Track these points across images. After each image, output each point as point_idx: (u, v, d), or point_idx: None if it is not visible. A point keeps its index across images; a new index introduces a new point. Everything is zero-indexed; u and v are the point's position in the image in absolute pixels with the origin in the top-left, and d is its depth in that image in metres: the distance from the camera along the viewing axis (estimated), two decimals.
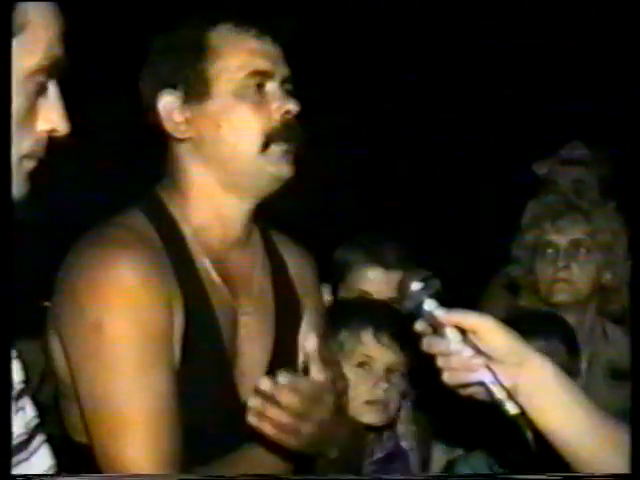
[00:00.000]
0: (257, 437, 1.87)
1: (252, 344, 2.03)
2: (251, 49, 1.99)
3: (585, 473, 1.61)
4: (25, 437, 1.40)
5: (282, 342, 2.07)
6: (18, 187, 1.33)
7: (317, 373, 1.88)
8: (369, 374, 2.35)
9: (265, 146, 1.96)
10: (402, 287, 1.72)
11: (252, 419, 1.83)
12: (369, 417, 2.33)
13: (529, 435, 1.62)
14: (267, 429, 1.83)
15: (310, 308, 2.16)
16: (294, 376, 1.85)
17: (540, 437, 1.63)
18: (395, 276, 2.49)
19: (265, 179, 1.99)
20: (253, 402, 1.82)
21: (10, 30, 1.24)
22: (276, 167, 1.98)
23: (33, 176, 1.35)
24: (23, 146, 1.31)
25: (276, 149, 1.97)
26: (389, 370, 2.36)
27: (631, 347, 1.67)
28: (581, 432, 1.63)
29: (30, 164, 1.34)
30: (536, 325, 2.41)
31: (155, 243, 1.95)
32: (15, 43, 1.26)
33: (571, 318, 2.71)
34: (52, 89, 1.35)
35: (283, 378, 1.81)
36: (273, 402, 1.81)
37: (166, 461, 1.81)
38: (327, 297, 2.66)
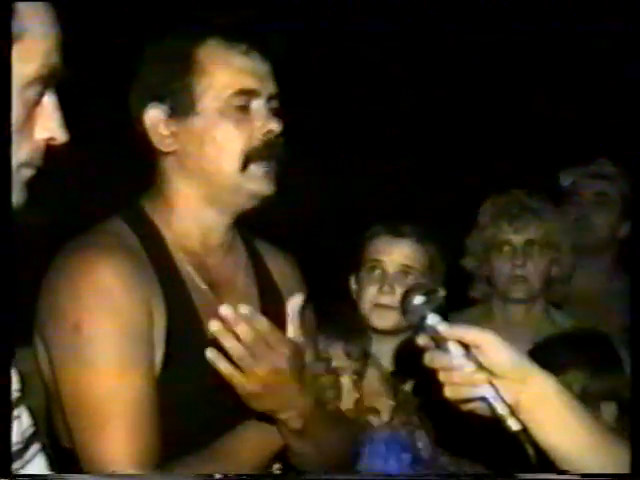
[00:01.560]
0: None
1: None
2: (238, 67, 2.00)
3: (585, 473, 1.61)
4: (20, 446, 1.39)
5: None
6: (17, 195, 1.32)
7: (292, 332, 1.92)
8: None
9: (245, 164, 1.99)
10: (404, 301, 1.72)
11: (211, 352, 1.84)
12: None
13: (531, 451, 1.62)
14: (222, 365, 1.84)
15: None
16: (256, 313, 1.87)
17: (542, 453, 1.63)
18: (405, 243, 2.63)
19: (244, 196, 2.02)
20: (214, 325, 1.82)
21: (10, 32, 1.24)
22: (256, 185, 2.00)
23: (31, 184, 1.35)
24: (21, 154, 1.30)
25: (256, 167, 1.99)
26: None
27: (631, 346, 1.67)
28: (583, 449, 1.63)
29: (28, 172, 1.33)
30: (552, 357, 2.36)
31: (136, 248, 1.97)
32: (13, 52, 1.26)
33: (523, 309, 3.03)
34: (49, 97, 1.34)
35: (244, 309, 1.83)
36: (230, 331, 1.82)
37: (145, 458, 1.83)
38: (353, 285, 2.70)
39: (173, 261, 2.00)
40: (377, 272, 2.66)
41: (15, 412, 1.38)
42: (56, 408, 1.95)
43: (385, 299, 2.61)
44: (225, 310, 1.81)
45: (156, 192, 2.06)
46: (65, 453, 1.91)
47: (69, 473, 1.79)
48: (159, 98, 2.00)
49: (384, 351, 2.62)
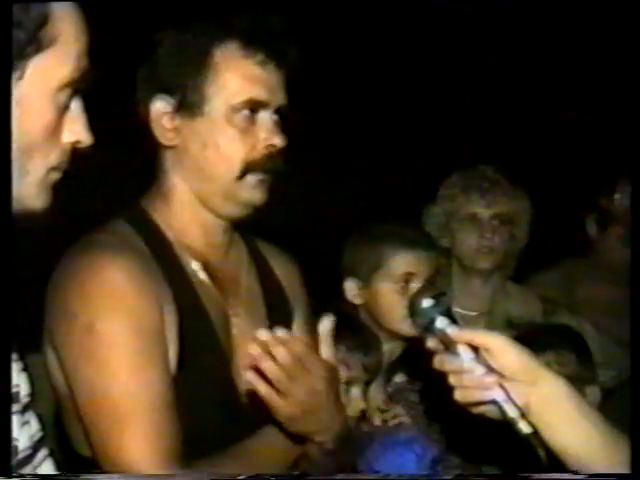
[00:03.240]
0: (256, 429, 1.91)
1: (245, 344, 2.00)
2: (252, 76, 1.98)
3: (586, 473, 1.61)
4: (30, 452, 1.39)
5: None
6: (42, 198, 1.32)
7: (325, 352, 1.92)
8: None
9: (243, 174, 1.98)
10: (413, 304, 1.72)
11: (249, 375, 1.85)
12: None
13: (542, 453, 1.62)
14: (261, 386, 1.85)
15: (299, 310, 2.19)
16: (293, 335, 1.89)
17: (553, 455, 1.62)
18: (430, 256, 2.67)
19: (237, 204, 2.01)
20: (253, 349, 1.83)
21: (10, 31, 1.21)
22: (249, 194, 2.00)
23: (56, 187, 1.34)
24: (51, 159, 1.30)
25: (252, 177, 1.99)
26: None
27: (631, 346, 1.68)
28: (594, 450, 1.62)
29: (55, 176, 1.33)
30: (545, 338, 2.42)
31: (141, 247, 1.97)
32: (47, 56, 1.25)
33: (481, 281, 3.13)
34: (76, 101, 1.33)
35: (281, 331, 1.84)
36: (268, 354, 1.83)
37: (166, 457, 1.82)
38: (353, 291, 2.68)
39: (178, 259, 2.00)
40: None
41: (24, 417, 1.38)
42: (67, 412, 1.94)
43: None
44: (263, 334, 1.83)
45: (155, 190, 2.06)
46: (76, 457, 1.91)
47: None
48: (168, 91, 1.98)
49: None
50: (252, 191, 1.99)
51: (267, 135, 1.99)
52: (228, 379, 2.00)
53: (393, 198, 4.33)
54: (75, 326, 1.84)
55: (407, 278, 2.63)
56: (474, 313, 3.10)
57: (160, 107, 1.99)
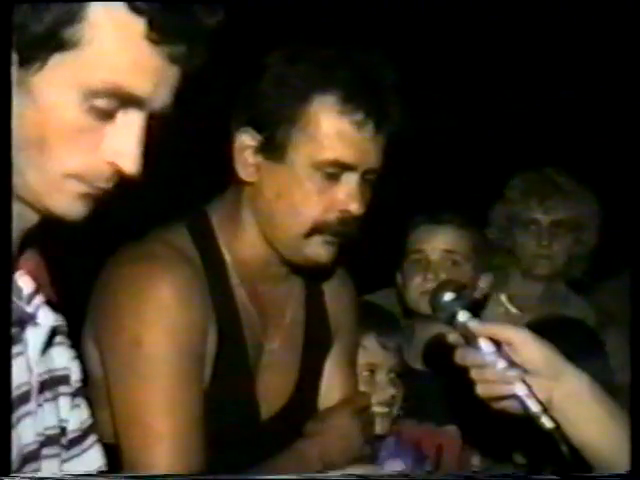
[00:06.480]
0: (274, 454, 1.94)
1: (275, 370, 2.04)
2: (345, 136, 1.86)
3: (586, 473, 1.60)
4: (78, 434, 1.40)
5: (307, 371, 2.09)
6: (65, 206, 1.24)
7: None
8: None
9: (311, 233, 1.90)
10: (434, 298, 1.71)
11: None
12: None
13: (565, 449, 1.60)
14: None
15: (340, 340, 2.16)
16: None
17: (576, 450, 1.61)
18: (445, 229, 2.59)
19: (300, 258, 1.95)
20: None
21: (10, 30, 1.17)
22: (313, 253, 1.92)
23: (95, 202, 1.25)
24: (68, 164, 1.21)
25: (319, 237, 1.90)
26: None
27: (631, 346, 1.66)
28: (616, 445, 1.61)
29: (79, 187, 1.23)
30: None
31: (194, 260, 1.93)
32: (74, 56, 1.18)
33: (539, 284, 3.04)
34: (124, 118, 1.22)
35: None
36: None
37: (191, 472, 1.82)
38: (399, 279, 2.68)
39: (228, 281, 1.97)
40: (420, 261, 2.62)
41: (75, 401, 1.40)
42: (97, 407, 1.94)
43: (430, 285, 2.54)
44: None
45: (225, 209, 2.00)
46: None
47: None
48: (259, 124, 1.89)
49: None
50: (317, 250, 1.91)
51: (345, 199, 1.88)
52: (251, 402, 2.00)
53: (459, 197, 4.31)
54: (122, 336, 1.84)
55: (417, 255, 2.62)
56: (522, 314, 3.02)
57: (246, 140, 1.90)
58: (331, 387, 2.13)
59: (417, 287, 2.59)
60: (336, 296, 2.16)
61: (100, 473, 1.45)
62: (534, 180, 3.03)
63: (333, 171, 1.87)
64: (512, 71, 4.87)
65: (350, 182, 1.88)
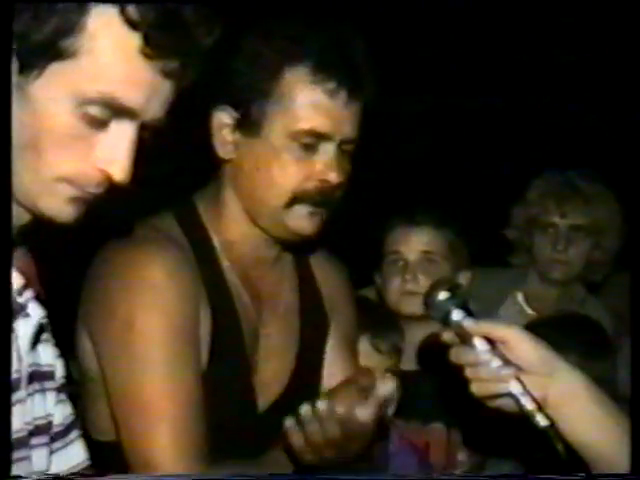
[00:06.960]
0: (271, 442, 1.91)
1: (272, 356, 2.04)
2: (319, 105, 1.88)
3: (586, 473, 1.59)
4: (62, 428, 1.43)
5: (305, 357, 2.08)
6: (56, 209, 1.28)
7: (367, 415, 1.88)
8: None
9: (291, 203, 1.91)
10: (428, 296, 1.71)
11: (289, 422, 1.86)
12: None
13: (560, 447, 1.60)
14: (296, 441, 1.86)
15: (338, 323, 2.15)
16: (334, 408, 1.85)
17: (571, 448, 1.61)
18: (422, 230, 2.60)
19: (284, 231, 1.96)
20: (288, 422, 1.85)
21: (10, 30, 1.20)
22: (296, 224, 1.93)
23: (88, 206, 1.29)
24: (61, 169, 1.26)
25: (301, 208, 1.91)
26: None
27: (631, 345, 1.66)
28: (615, 445, 1.60)
29: (70, 191, 1.27)
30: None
31: (184, 246, 1.95)
32: (72, 65, 1.22)
33: (556, 288, 3.02)
34: (117, 128, 1.26)
35: (322, 404, 1.84)
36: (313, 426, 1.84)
37: (194, 454, 1.83)
38: (378, 280, 2.69)
39: (220, 268, 1.98)
40: (398, 263, 2.63)
41: (60, 396, 1.42)
42: (91, 401, 1.95)
43: (410, 286, 2.58)
44: (303, 409, 1.84)
45: (210, 194, 2.02)
46: (96, 445, 1.91)
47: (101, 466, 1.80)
48: (234, 103, 1.92)
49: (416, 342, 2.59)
50: (300, 221, 1.92)
51: (323, 168, 1.90)
52: (248, 389, 1.99)
53: (481, 197, 4.29)
54: (114, 320, 1.85)
55: (395, 256, 2.63)
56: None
57: (222, 118, 1.93)
58: (333, 372, 2.11)
59: (397, 288, 2.61)
60: (328, 278, 2.16)
61: (98, 472, 1.47)
62: (554, 183, 3.00)
63: (310, 141, 1.89)
64: (540, 71, 4.85)
65: (327, 152, 1.90)
